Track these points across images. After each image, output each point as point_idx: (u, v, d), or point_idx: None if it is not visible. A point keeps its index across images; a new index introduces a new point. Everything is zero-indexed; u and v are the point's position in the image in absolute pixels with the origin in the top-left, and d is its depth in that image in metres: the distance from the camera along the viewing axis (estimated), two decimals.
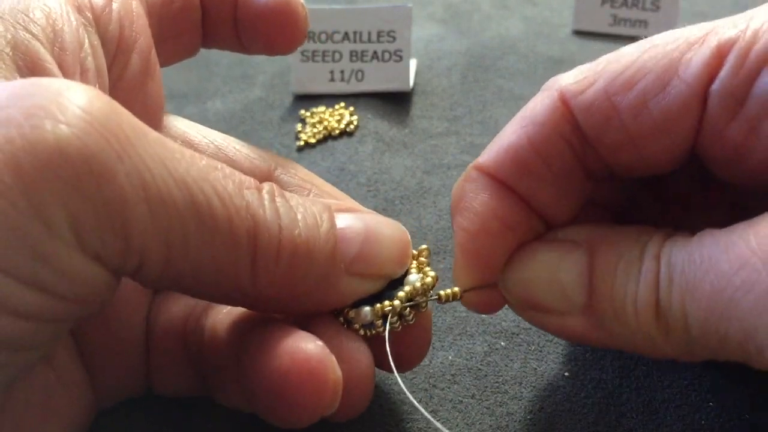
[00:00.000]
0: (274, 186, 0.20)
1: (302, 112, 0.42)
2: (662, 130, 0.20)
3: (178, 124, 0.26)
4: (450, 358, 0.27)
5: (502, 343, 0.27)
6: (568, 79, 0.21)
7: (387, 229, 0.22)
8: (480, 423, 0.25)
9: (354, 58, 0.43)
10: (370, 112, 0.42)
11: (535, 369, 0.26)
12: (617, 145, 0.21)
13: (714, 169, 0.21)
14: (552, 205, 0.22)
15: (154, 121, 0.18)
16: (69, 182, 0.15)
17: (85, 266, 0.16)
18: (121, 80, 0.22)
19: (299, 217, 0.20)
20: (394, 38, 0.43)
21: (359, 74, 0.43)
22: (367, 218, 0.21)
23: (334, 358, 0.20)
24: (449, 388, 0.26)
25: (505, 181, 0.22)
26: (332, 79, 0.44)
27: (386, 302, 0.22)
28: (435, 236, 0.33)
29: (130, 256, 0.17)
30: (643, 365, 0.26)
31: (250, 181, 0.19)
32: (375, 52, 0.43)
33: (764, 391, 0.25)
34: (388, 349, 0.21)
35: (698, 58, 0.19)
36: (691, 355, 0.20)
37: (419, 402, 0.25)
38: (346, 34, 0.43)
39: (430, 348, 0.27)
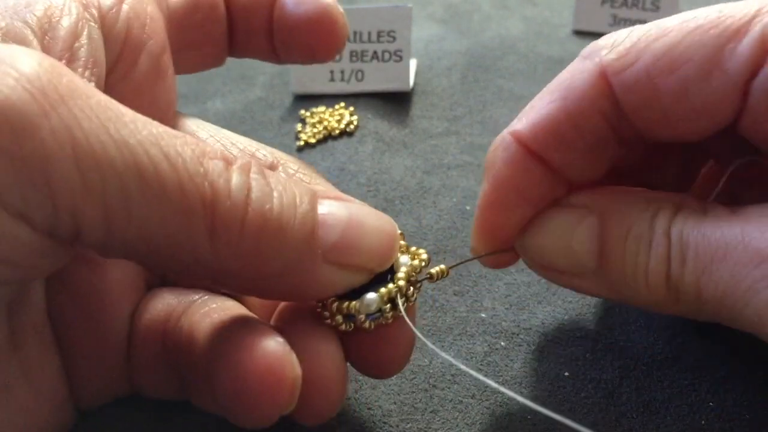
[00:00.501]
0: (253, 162, 0.19)
1: (302, 112, 0.42)
2: (702, 115, 0.21)
3: (188, 122, 0.26)
4: (450, 358, 0.27)
5: (502, 344, 0.27)
6: (610, 55, 0.21)
7: (372, 219, 0.21)
8: (480, 423, 0.25)
9: (354, 58, 0.43)
10: (370, 112, 0.42)
11: (536, 369, 0.26)
12: (654, 121, 0.22)
13: (753, 143, 0.22)
14: (581, 172, 0.23)
15: (164, 122, 0.18)
16: None
17: (9, 225, 0.16)
18: (128, 78, 0.22)
19: (275, 194, 0.19)
20: (394, 38, 0.43)
21: (359, 74, 0.43)
22: (353, 207, 0.21)
23: (294, 357, 0.19)
24: (449, 388, 0.26)
25: (537, 150, 0.23)
26: (332, 79, 0.44)
27: (390, 285, 0.21)
28: (435, 236, 0.33)
29: (61, 217, 0.16)
30: (643, 365, 0.26)
31: (216, 152, 0.19)
32: (375, 52, 0.43)
33: (764, 391, 0.25)
34: (409, 322, 0.21)
35: (741, 51, 0.20)
36: (698, 318, 0.21)
37: (418, 402, 0.25)
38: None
39: (431, 348, 0.27)
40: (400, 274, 0.22)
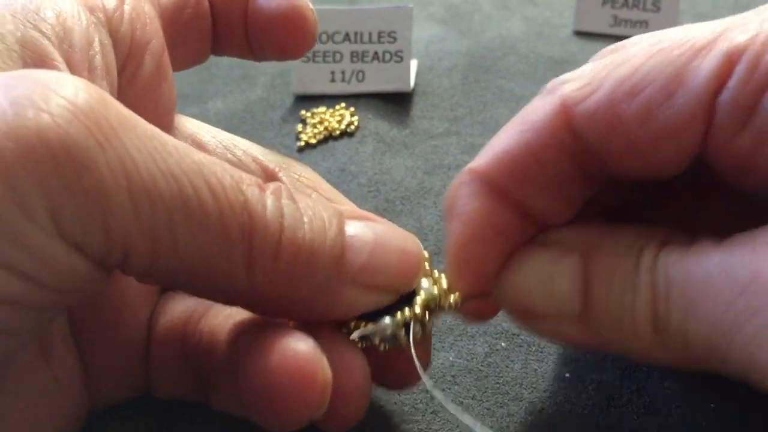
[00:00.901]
0: (283, 186, 0.20)
1: (303, 112, 0.42)
2: (668, 139, 0.19)
3: (189, 124, 0.26)
4: (450, 359, 0.27)
5: (503, 344, 0.27)
6: (571, 86, 0.21)
7: (397, 240, 0.21)
8: (481, 423, 0.25)
9: (355, 59, 0.43)
10: (370, 113, 0.42)
11: (536, 370, 0.26)
12: (620, 152, 0.20)
13: (720, 174, 0.21)
14: (549, 209, 0.22)
15: (166, 122, 0.19)
16: (48, 169, 0.15)
17: (64, 255, 0.16)
18: (134, 81, 0.22)
19: (306, 219, 0.19)
20: (395, 39, 0.43)
21: (360, 75, 0.43)
22: (378, 228, 0.21)
23: (325, 359, 0.19)
24: (450, 389, 0.26)
25: (500, 185, 0.21)
26: (333, 80, 0.44)
27: (407, 311, 0.21)
28: (435, 237, 0.33)
29: (113, 247, 0.17)
30: (644, 367, 0.26)
31: (251, 179, 0.19)
32: (376, 53, 0.43)
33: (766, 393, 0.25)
34: (414, 357, 0.21)
35: (706, 66, 0.19)
36: (689, 368, 0.20)
37: (419, 403, 0.25)
38: (347, 34, 0.43)
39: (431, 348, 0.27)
40: (418, 300, 0.21)
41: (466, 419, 0.20)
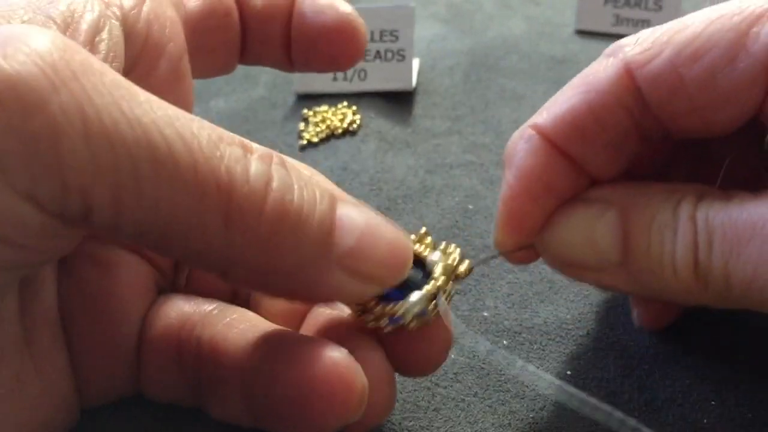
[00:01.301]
0: (275, 153, 0.19)
1: (305, 111, 0.42)
2: (728, 102, 0.21)
3: None
4: (452, 356, 0.27)
5: (505, 342, 0.28)
6: (634, 50, 0.22)
7: (388, 231, 0.20)
8: (482, 421, 0.25)
9: None
10: (372, 112, 0.42)
11: (537, 368, 0.27)
12: (681, 112, 0.22)
13: None
14: (601, 168, 0.23)
15: None
16: None
17: (13, 204, 0.15)
18: (147, 80, 0.22)
19: (296, 188, 0.18)
20: (397, 38, 0.43)
21: (362, 73, 0.44)
22: (370, 215, 0.20)
23: (359, 365, 0.19)
24: (452, 386, 0.26)
25: (558, 143, 0.23)
26: (335, 79, 0.44)
27: (431, 285, 0.21)
28: (437, 236, 0.33)
29: (70, 197, 0.16)
30: (645, 364, 0.26)
31: (234, 138, 0.18)
32: (378, 52, 0.43)
33: (766, 390, 0.25)
34: (450, 323, 0.21)
35: (766, 31, 0.20)
36: (727, 306, 0.21)
37: (420, 400, 0.25)
38: None
39: None
40: (438, 271, 0.22)
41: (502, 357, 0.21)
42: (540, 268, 0.31)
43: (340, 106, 0.42)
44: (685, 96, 0.21)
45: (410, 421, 0.25)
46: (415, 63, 0.46)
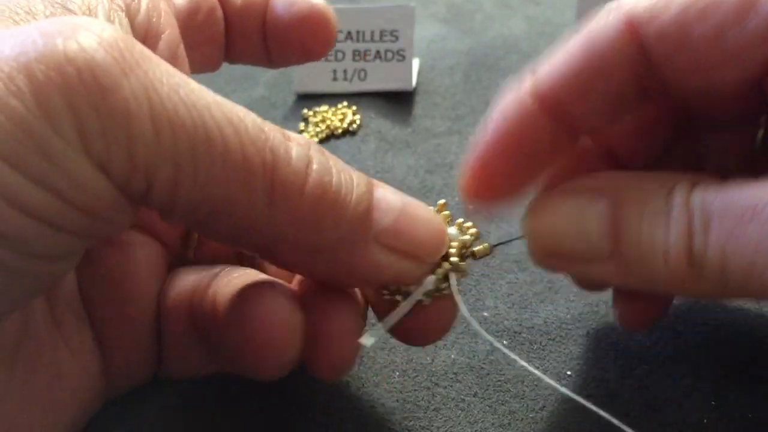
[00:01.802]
0: (313, 141, 0.20)
1: (305, 111, 0.42)
2: (736, 60, 0.20)
3: None
4: (452, 356, 0.27)
5: (505, 342, 0.28)
6: (638, 6, 0.21)
7: (424, 212, 0.21)
8: (482, 421, 0.25)
9: (357, 58, 0.43)
10: (372, 112, 0.42)
11: (537, 368, 0.27)
12: (687, 70, 0.21)
13: None
14: (596, 124, 0.23)
15: None
16: (76, 88, 0.16)
17: (90, 173, 0.17)
18: None
19: (334, 171, 0.20)
20: (397, 38, 0.43)
21: (362, 73, 0.44)
22: (406, 198, 0.21)
23: (296, 304, 0.21)
24: (452, 386, 0.26)
25: (555, 96, 0.22)
26: (335, 79, 0.44)
27: (445, 264, 0.21)
28: None
29: (136, 172, 0.17)
30: (645, 364, 0.26)
31: (274, 126, 0.19)
32: (378, 52, 0.43)
33: (767, 390, 0.25)
34: (460, 303, 0.22)
35: None
36: (722, 297, 0.21)
37: (420, 400, 0.25)
38: (349, 33, 0.43)
39: (433, 347, 0.27)
40: (452, 250, 0.22)
41: (501, 346, 0.21)
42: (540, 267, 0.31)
43: (340, 106, 0.42)
44: (691, 53, 0.21)
45: (410, 421, 0.25)
46: (415, 63, 0.46)
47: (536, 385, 0.26)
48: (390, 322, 0.21)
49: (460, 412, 0.25)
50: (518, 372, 0.26)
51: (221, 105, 0.18)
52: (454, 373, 0.26)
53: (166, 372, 0.25)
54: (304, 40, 0.27)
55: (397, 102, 0.43)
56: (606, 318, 0.28)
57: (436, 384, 0.26)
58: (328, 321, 0.21)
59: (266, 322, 0.20)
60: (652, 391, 0.25)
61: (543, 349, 0.27)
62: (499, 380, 0.26)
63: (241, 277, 0.23)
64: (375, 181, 0.21)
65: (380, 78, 0.43)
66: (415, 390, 0.26)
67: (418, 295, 0.21)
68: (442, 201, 0.23)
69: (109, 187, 0.17)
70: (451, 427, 0.25)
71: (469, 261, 0.23)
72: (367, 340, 0.21)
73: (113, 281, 0.23)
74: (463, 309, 0.22)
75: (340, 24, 0.43)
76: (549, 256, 0.22)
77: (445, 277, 0.22)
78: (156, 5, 0.23)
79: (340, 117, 0.41)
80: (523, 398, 0.25)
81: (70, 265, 0.19)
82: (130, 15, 0.22)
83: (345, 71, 0.44)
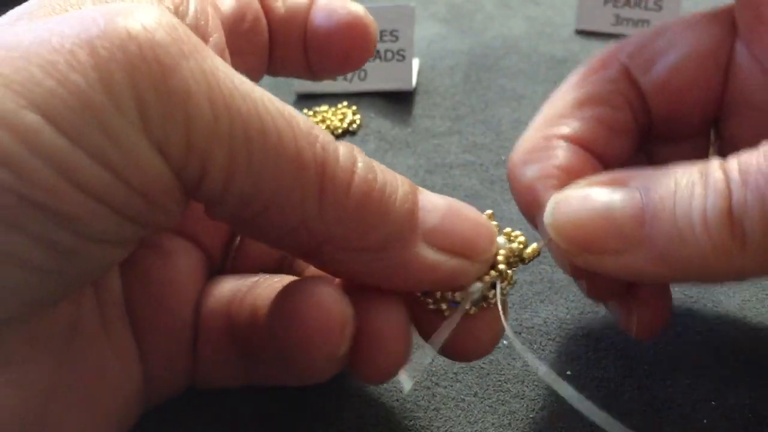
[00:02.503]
0: (355, 146, 0.20)
1: (305, 111, 0.42)
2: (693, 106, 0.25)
3: None
4: None
5: (505, 342, 0.28)
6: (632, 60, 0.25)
7: (471, 212, 0.21)
8: (482, 421, 0.25)
9: None
10: (372, 112, 0.42)
11: (538, 368, 0.26)
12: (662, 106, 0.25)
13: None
14: (615, 155, 0.25)
15: None
16: (138, 67, 0.16)
17: (148, 153, 0.16)
18: None
19: (378, 171, 0.20)
20: (397, 38, 0.43)
21: (362, 73, 0.44)
22: (451, 199, 0.21)
23: (347, 299, 0.20)
24: (452, 386, 0.26)
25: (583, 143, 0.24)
26: (335, 78, 0.44)
27: (492, 273, 0.21)
28: None
29: (192, 157, 0.17)
30: (645, 364, 0.26)
31: (320, 127, 0.19)
32: (378, 52, 0.43)
33: (767, 390, 0.25)
34: (502, 316, 0.21)
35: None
36: (765, 269, 0.20)
37: (420, 400, 0.25)
38: None
39: None
40: (500, 258, 0.21)
41: (540, 366, 0.21)
42: (540, 268, 0.31)
43: (340, 106, 0.42)
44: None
45: (410, 421, 0.25)
46: (415, 63, 0.46)
47: (536, 385, 0.26)
48: (441, 337, 0.21)
49: (460, 412, 0.25)
50: (518, 372, 0.26)
51: (272, 99, 0.18)
52: (454, 373, 0.26)
53: (204, 381, 0.24)
54: (345, 49, 0.27)
55: (397, 102, 0.43)
56: (606, 318, 0.28)
57: (437, 384, 0.26)
58: (379, 318, 0.21)
59: (318, 312, 0.19)
60: (652, 392, 0.25)
61: (543, 349, 0.27)
62: (499, 380, 0.26)
63: (281, 281, 0.23)
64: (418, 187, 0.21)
65: (380, 78, 0.43)
66: (415, 390, 0.26)
67: (466, 303, 0.21)
68: (489, 211, 0.22)
69: (166, 169, 0.17)
70: (451, 427, 0.25)
71: (516, 270, 0.22)
72: (422, 358, 0.21)
73: (154, 287, 0.23)
74: (505, 322, 0.21)
75: None
76: (579, 251, 0.21)
77: (492, 285, 0.21)
78: (204, 9, 0.23)
79: (340, 117, 0.41)
80: (523, 398, 0.25)
81: (120, 253, 0.19)
82: (179, 16, 0.22)
83: (357, 70, 0.44)
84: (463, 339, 0.22)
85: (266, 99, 0.18)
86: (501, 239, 0.22)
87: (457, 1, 0.56)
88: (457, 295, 0.21)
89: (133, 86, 0.16)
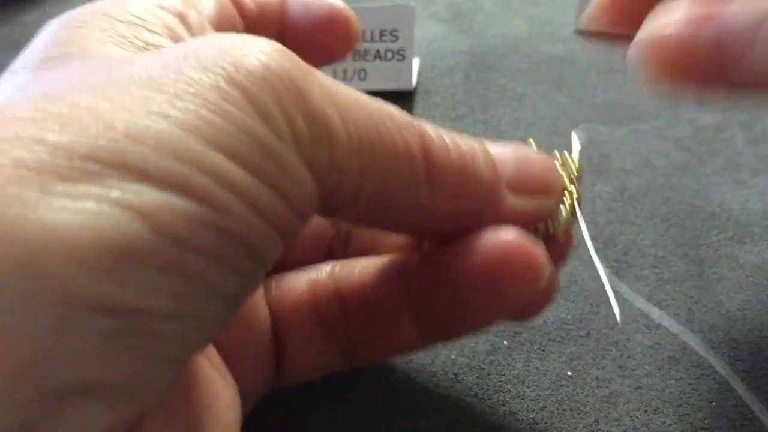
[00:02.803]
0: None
1: None
2: None
3: None
4: (452, 357, 0.27)
5: (505, 343, 0.28)
6: None
7: (533, 153, 0.23)
8: (482, 422, 0.25)
9: (356, 57, 0.43)
10: None
11: (538, 368, 0.27)
12: None
13: None
14: None
15: None
16: (280, 92, 0.16)
17: (304, 172, 0.17)
18: None
19: (458, 139, 0.21)
20: (397, 37, 0.43)
21: (362, 73, 0.44)
22: (514, 146, 0.23)
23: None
24: (452, 387, 0.26)
25: None
26: (334, 78, 0.44)
27: (567, 194, 0.23)
28: None
29: (334, 169, 0.18)
30: (646, 365, 0.26)
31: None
32: (378, 51, 0.43)
33: (767, 390, 0.25)
34: (584, 228, 0.23)
35: None
36: None
37: (420, 400, 0.25)
38: None
39: (433, 347, 0.27)
40: (566, 180, 0.23)
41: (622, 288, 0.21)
42: None
43: None
44: None
45: (410, 421, 0.25)
46: (415, 63, 0.46)
47: (536, 386, 0.26)
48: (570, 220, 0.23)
49: (460, 412, 0.25)
50: (518, 372, 0.26)
51: (370, 99, 0.19)
52: (454, 374, 0.26)
53: (285, 379, 0.24)
54: (326, 43, 0.27)
55: (397, 102, 0.43)
56: (606, 318, 0.28)
57: (437, 384, 0.26)
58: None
59: (521, 248, 0.20)
60: (652, 392, 0.25)
61: (543, 349, 0.27)
62: (500, 381, 0.26)
63: (383, 260, 0.24)
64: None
65: (380, 78, 0.43)
66: (415, 390, 0.26)
67: (560, 230, 0.23)
68: (531, 140, 0.24)
69: (313, 185, 0.17)
70: (452, 427, 0.25)
71: (579, 183, 0.24)
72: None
73: None
74: (585, 231, 0.23)
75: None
76: (679, 65, 0.20)
77: (572, 208, 0.23)
78: (201, 23, 0.23)
79: None
80: (523, 399, 0.25)
81: (263, 277, 0.19)
82: (187, 27, 0.22)
83: (345, 71, 0.44)
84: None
85: (370, 102, 0.19)
86: (556, 163, 0.24)
87: (457, 0, 0.56)
88: (549, 227, 0.23)
89: (283, 113, 0.16)
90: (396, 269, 0.23)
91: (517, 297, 0.21)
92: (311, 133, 0.17)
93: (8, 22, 0.56)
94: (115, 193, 0.13)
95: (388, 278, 0.23)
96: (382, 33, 0.43)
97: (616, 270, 0.31)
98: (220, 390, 0.21)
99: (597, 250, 0.32)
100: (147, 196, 0.14)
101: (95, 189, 0.13)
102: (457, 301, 0.22)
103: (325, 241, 0.27)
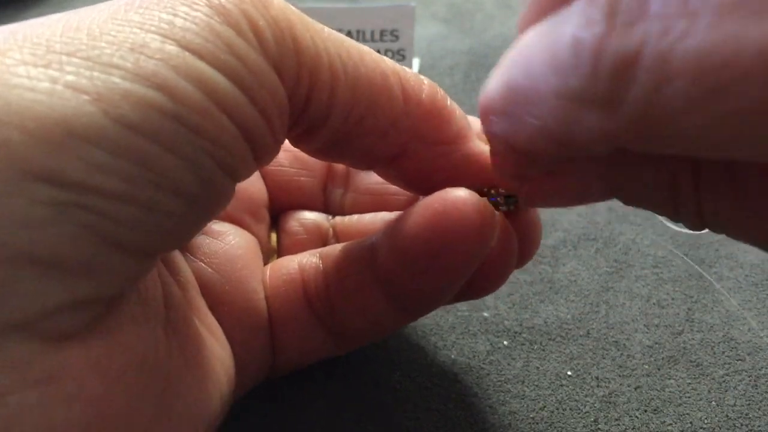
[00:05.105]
0: None
1: None
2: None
3: None
4: (452, 357, 0.27)
5: (505, 342, 0.28)
6: None
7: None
8: (482, 422, 0.25)
9: None
10: None
11: (538, 368, 0.27)
12: None
13: None
14: None
15: None
16: (245, 2, 0.18)
17: (269, 73, 0.18)
18: None
19: (435, 87, 0.22)
20: (397, 37, 0.43)
21: None
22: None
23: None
24: (452, 386, 0.26)
25: None
26: None
27: None
28: None
29: (302, 74, 0.18)
30: (645, 364, 0.26)
31: None
32: (378, 51, 0.43)
33: (767, 390, 0.25)
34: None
35: None
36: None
37: (420, 400, 0.25)
38: (349, 32, 0.43)
39: (433, 347, 0.27)
40: None
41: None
42: (540, 268, 0.31)
43: None
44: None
45: (410, 421, 0.25)
46: (415, 63, 0.46)
47: (536, 386, 0.26)
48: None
49: (460, 412, 0.25)
50: (518, 372, 0.26)
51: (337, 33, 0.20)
52: (454, 374, 0.26)
53: (281, 365, 0.24)
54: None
55: None
56: (606, 318, 0.28)
57: (437, 384, 0.26)
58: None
59: (468, 205, 0.20)
60: (651, 392, 0.25)
61: (543, 349, 0.27)
62: (499, 380, 0.26)
63: (345, 244, 0.24)
64: None
65: None
66: (415, 390, 0.26)
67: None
68: None
69: (282, 90, 0.18)
70: (452, 427, 0.25)
71: None
72: None
73: (223, 270, 0.23)
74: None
75: (339, 23, 0.43)
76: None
77: None
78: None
79: None
80: (523, 399, 0.25)
81: (226, 199, 0.19)
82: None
83: None
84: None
85: (333, 32, 0.20)
86: None
87: (457, 1, 0.56)
88: (500, 190, 0.23)
89: (244, 15, 0.17)
90: (368, 240, 0.23)
91: (459, 254, 0.21)
92: (274, 34, 0.18)
93: (8, 23, 0.56)
94: (70, 78, 0.14)
95: (361, 249, 0.23)
96: (382, 33, 0.43)
97: (616, 270, 0.31)
98: (216, 353, 0.21)
99: (597, 250, 0.32)
100: (99, 80, 0.15)
101: (52, 72, 0.14)
102: (407, 261, 0.21)
103: (324, 242, 0.27)
